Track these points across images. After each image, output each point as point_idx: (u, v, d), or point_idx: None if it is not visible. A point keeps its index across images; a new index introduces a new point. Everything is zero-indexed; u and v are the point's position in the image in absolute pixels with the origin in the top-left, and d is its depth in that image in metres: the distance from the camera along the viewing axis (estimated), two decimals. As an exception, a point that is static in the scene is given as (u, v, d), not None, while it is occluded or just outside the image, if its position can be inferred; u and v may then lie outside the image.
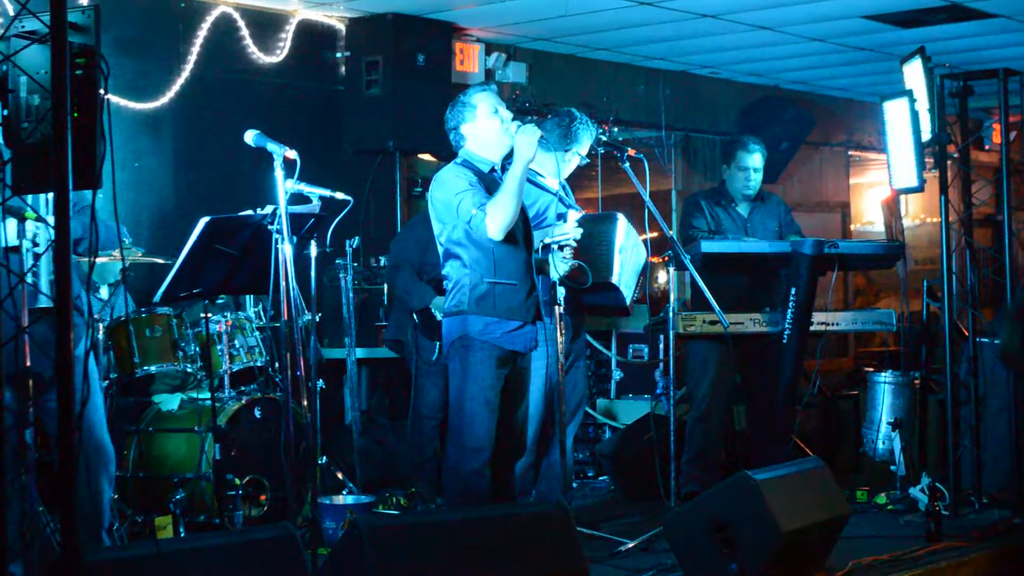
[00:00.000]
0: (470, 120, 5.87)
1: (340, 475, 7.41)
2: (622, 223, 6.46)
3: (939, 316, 7.69)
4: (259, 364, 7.05)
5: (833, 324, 7.55)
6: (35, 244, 4.96)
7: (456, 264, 5.77)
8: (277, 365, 7.05)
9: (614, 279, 6.26)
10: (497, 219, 5.54)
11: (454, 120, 5.91)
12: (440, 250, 5.87)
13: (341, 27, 8.87)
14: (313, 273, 6.91)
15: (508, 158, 5.90)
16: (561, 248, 5.95)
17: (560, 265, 5.88)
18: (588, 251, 6.19)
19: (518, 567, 4.72)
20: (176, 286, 5.50)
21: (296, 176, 5.30)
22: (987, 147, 12.68)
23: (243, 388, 7.06)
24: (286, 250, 5.20)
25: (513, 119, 5.89)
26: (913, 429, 7.99)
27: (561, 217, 6.28)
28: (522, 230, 5.82)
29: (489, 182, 5.78)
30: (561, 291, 5.86)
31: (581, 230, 6.02)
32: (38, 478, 5.31)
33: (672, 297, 6.82)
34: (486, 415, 5.69)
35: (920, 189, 7.66)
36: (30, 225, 5.07)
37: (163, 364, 6.61)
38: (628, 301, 6.62)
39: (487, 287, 5.70)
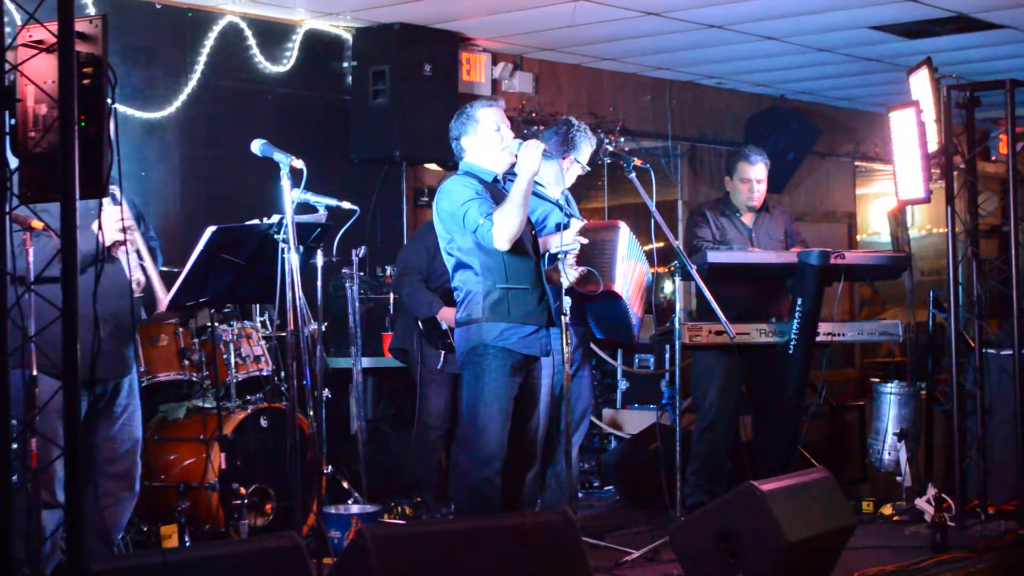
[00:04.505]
0: (472, 133, 5.90)
1: (345, 484, 7.41)
2: (624, 232, 6.45)
3: (945, 327, 7.68)
4: (265, 373, 7.06)
5: (839, 334, 7.54)
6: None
7: (468, 273, 5.78)
8: (283, 374, 7.06)
9: (617, 288, 6.24)
10: (503, 229, 5.57)
11: (457, 131, 5.96)
12: (449, 261, 5.88)
13: (348, 37, 8.89)
14: (319, 282, 6.93)
15: (509, 172, 5.93)
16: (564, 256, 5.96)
17: (570, 272, 5.90)
18: (590, 260, 6.19)
19: (523, 577, 4.72)
20: (183, 295, 5.51)
21: (303, 185, 5.31)
22: (994, 158, 12.67)
23: (249, 397, 7.06)
24: (292, 259, 5.20)
25: (515, 136, 5.92)
26: (919, 440, 7.98)
27: (563, 227, 6.29)
28: (530, 237, 5.85)
29: (494, 191, 5.82)
30: (567, 301, 5.87)
31: (583, 239, 6.02)
32: None
33: (678, 307, 6.81)
34: (499, 424, 5.71)
35: (926, 200, 7.65)
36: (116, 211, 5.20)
37: (169, 373, 6.62)
38: (635, 329, 6.57)
39: (500, 293, 5.72)
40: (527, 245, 5.81)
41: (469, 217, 5.65)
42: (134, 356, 5.71)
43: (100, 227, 4.85)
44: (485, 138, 5.89)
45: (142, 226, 5.60)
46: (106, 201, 5.19)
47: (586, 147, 6.71)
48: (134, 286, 5.39)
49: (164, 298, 5.55)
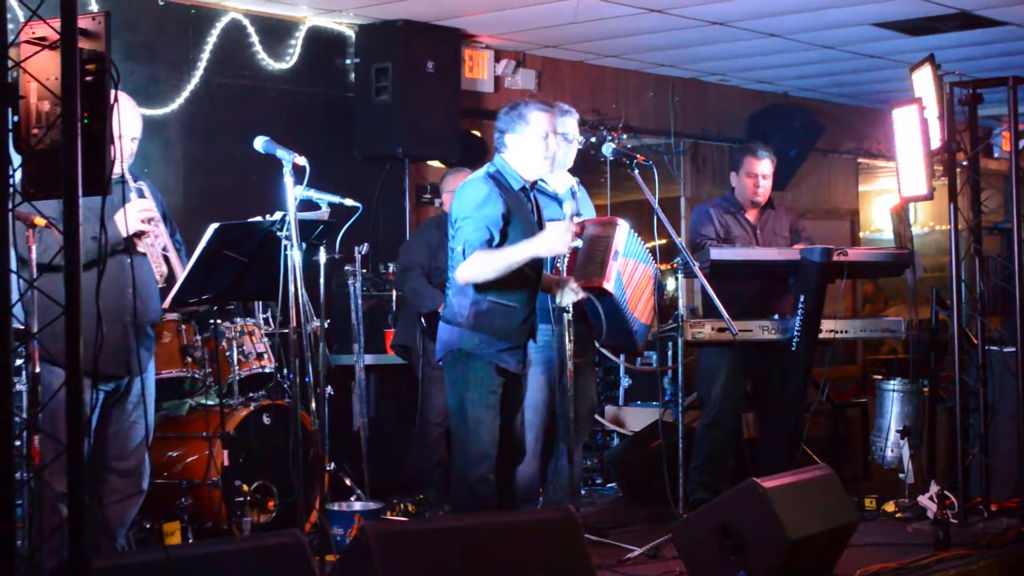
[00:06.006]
0: (519, 132, 5.77)
1: (348, 481, 7.42)
2: (623, 229, 6.38)
3: (948, 324, 7.67)
4: (268, 370, 7.06)
5: (842, 332, 7.54)
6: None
7: None
8: (286, 371, 7.07)
9: (607, 284, 6.18)
10: (470, 274, 5.57)
11: (504, 125, 5.82)
12: (450, 251, 5.85)
13: (351, 34, 8.89)
14: (322, 279, 6.92)
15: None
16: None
17: (568, 295, 5.86)
18: (584, 256, 6.17)
19: (526, 573, 4.72)
20: (185, 292, 5.51)
21: (305, 182, 5.31)
22: (996, 155, 12.67)
23: (252, 394, 7.06)
24: (295, 256, 5.21)
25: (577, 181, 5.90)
26: (922, 437, 7.97)
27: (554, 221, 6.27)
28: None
29: (513, 201, 5.70)
30: (570, 296, 5.85)
31: (578, 242, 5.98)
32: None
33: (680, 304, 6.80)
34: (489, 420, 5.69)
35: (929, 197, 7.65)
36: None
37: (171, 370, 6.62)
38: (638, 335, 6.51)
39: (488, 305, 5.66)
40: (527, 267, 5.74)
41: (460, 233, 5.60)
42: (152, 354, 5.74)
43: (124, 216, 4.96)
44: (531, 141, 5.76)
45: (169, 226, 5.64)
46: (133, 194, 5.39)
47: (569, 121, 6.66)
48: (157, 276, 5.44)
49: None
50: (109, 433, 5.52)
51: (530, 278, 5.77)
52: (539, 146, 5.77)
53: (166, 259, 5.48)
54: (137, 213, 5.36)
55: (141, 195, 5.50)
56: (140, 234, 5.41)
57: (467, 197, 5.68)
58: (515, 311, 5.71)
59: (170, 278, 5.51)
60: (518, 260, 5.56)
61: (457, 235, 5.62)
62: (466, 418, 5.69)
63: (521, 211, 5.70)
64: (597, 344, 7.20)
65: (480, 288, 5.65)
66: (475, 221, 5.57)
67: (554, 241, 5.60)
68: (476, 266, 5.54)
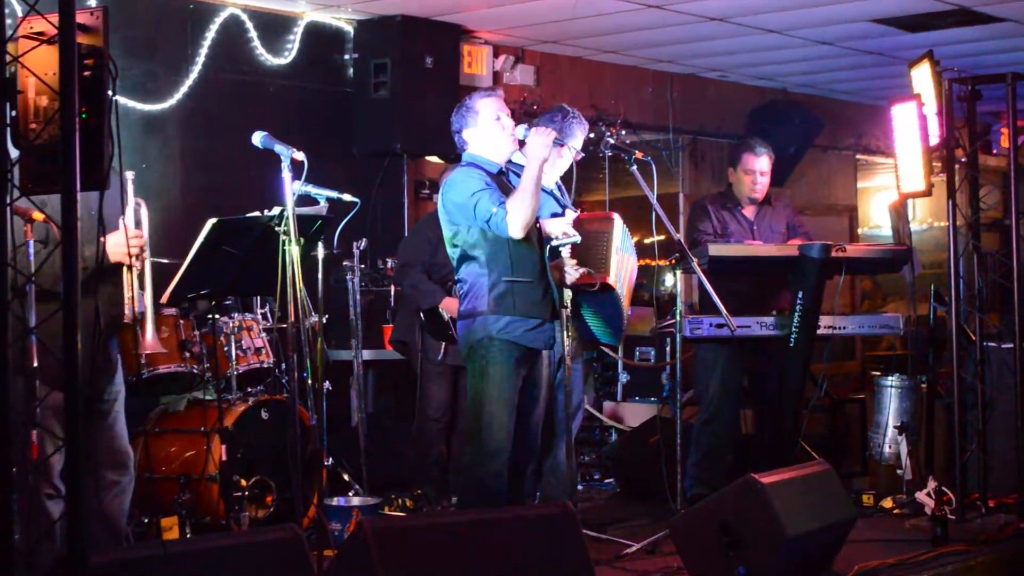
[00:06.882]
0: (472, 125, 5.91)
1: (346, 477, 7.42)
2: (619, 224, 6.40)
3: (946, 320, 7.67)
4: (266, 365, 7.06)
5: (840, 328, 7.55)
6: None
7: (472, 265, 5.77)
8: (284, 367, 7.07)
9: (611, 280, 6.20)
10: (518, 217, 5.57)
11: (458, 124, 5.96)
12: (453, 252, 5.87)
13: (349, 29, 8.89)
14: (320, 275, 6.92)
15: (514, 165, 5.92)
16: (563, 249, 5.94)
17: (571, 272, 5.88)
18: (585, 251, 6.17)
19: (523, 569, 4.72)
20: (183, 287, 5.50)
21: (304, 178, 5.31)
22: (995, 151, 12.67)
23: (250, 389, 7.07)
24: (293, 252, 5.20)
25: (519, 123, 5.92)
26: (920, 433, 7.98)
27: (556, 216, 6.27)
28: (535, 230, 5.84)
29: (499, 184, 5.81)
30: (568, 294, 5.86)
31: (578, 237, 5.99)
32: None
33: (679, 300, 6.80)
34: (506, 416, 5.71)
35: (928, 193, 7.65)
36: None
37: (170, 365, 6.62)
38: (623, 321, 6.51)
39: (506, 286, 5.72)
40: (532, 236, 5.81)
41: (481, 207, 5.63)
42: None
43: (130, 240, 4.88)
44: (486, 128, 5.88)
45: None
46: (130, 222, 5.12)
47: (580, 134, 6.69)
48: (127, 311, 5.26)
49: (148, 335, 5.40)
50: (98, 434, 5.48)
51: (535, 248, 5.83)
52: (495, 128, 5.89)
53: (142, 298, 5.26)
54: (132, 248, 5.06)
55: (137, 222, 5.22)
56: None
57: (463, 183, 5.76)
58: (532, 285, 5.78)
59: (143, 318, 5.31)
60: (533, 175, 5.62)
61: (479, 208, 5.63)
62: (482, 412, 5.71)
63: (506, 190, 5.77)
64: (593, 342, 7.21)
65: (493, 272, 5.71)
66: (486, 192, 5.67)
67: (540, 145, 5.68)
68: (517, 209, 5.58)
